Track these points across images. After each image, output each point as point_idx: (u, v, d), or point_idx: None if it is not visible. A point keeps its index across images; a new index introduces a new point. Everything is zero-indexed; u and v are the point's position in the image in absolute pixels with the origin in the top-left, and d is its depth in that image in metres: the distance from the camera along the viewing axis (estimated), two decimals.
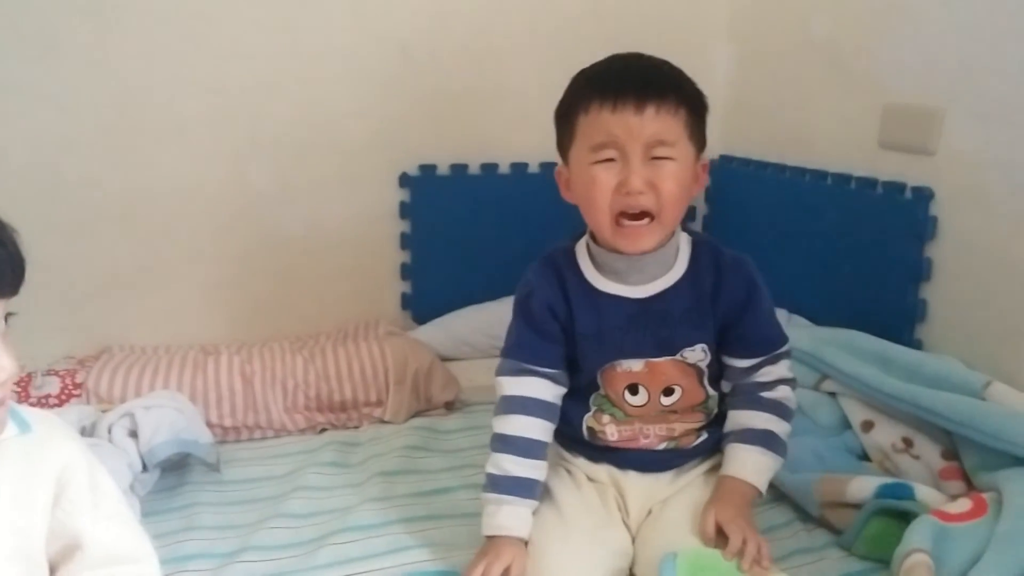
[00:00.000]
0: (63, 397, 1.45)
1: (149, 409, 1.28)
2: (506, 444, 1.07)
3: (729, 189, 1.98)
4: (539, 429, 1.07)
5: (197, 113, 1.75)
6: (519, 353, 1.09)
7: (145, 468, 1.23)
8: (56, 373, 1.48)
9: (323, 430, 1.54)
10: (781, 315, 1.56)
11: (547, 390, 1.08)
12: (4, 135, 1.61)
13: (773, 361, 1.09)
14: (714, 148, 1.86)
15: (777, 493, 1.20)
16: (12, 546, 0.76)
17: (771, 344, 1.09)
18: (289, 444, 1.48)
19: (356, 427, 1.55)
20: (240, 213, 1.82)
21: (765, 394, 1.08)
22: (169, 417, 1.29)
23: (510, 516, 1.04)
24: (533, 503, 1.06)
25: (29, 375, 1.44)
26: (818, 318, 1.68)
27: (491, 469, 1.07)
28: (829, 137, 1.74)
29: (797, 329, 1.56)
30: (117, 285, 1.73)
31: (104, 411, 1.31)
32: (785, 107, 1.87)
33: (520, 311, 1.10)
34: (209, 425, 1.41)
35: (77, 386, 1.46)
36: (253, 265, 1.85)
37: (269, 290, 1.87)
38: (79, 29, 1.64)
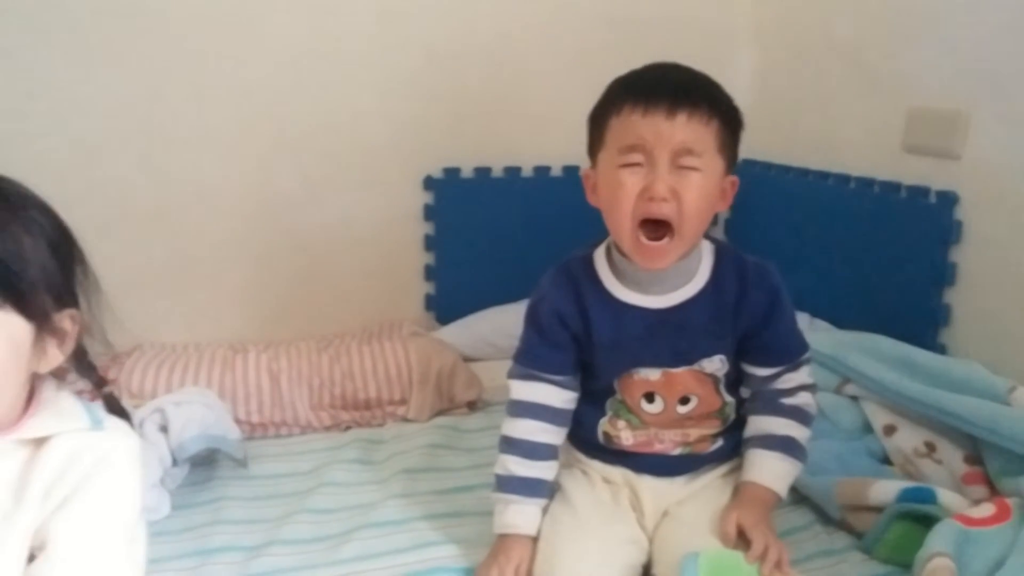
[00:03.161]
0: (92, 396, 1.48)
1: (179, 405, 1.31)
2: (512, 446, 1.09)
3: (751, 193, 1.96)
4: (545, 433, 1.09)
5: (225, 116, 1.78)
6: (527, 359, 1.10)
7: (175, 462, 1.26)
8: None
9: (348, 428, 1.56)
10: (802, 319, 1.57)
11: (555, 396, 1.09)
12: (40, 137, 1.66)
13: (794, 368, 1.09)
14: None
15: (797, 496, 1.21)
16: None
17: (792, 354, 1.09)
18: (315, 441, 1.50)
19: (380, 425, 1.57)
20: (267, 214, 1.85)
21: (785, 400, 1.08)
22: (199, 413, 1.32)
23: (517, 514, 1.06)
24: (541, 501, 1.08)
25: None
26: (840, 322, 1.68)
27: (498, 470, 1.09)
28: (853, 141, 1.73)
29: (819, 333, 1.56)
30: (148, 284, 1.76)
31: (136, 406, 1.34)
32: (808, 111, 1.87)
33: (529, 318, 1.11)
34: (237, 421, 1.44)
35: (111, 381, 1.49)
36: (279, 265, 1.88)
37: (295, 290, 1.90)
38: (112, 33, 1.68)
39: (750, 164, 1.99)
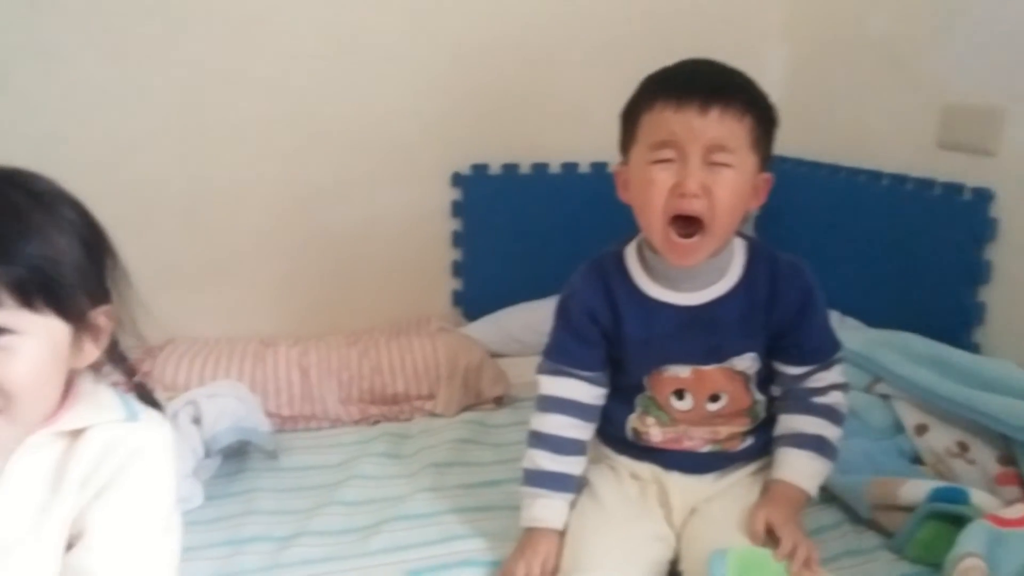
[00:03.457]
0: (127, 387, 1.51)
1: (212, 397, 1.33)
2: (540, 441, 1.09)
3: (782, 190, 1.95)
4: (574, 428, 1.09)
5: (257, 113, 1.80)
6: (556, 355, 1.10)
7: (208, 454, 1.28)
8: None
9: (376, 422, 1.58)
10: (833, 317, 1.54)
11: (584, 391, 1.09)
12: (76, 133, 1.69)
13: (826, 367, 1.08)
14: None
15: (827, 494, 1.20)
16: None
17: (824, 352, 1.08)
18: (344, 434, 1.51)
19: (408, 419, 1.58)
20: (297, 210, 1.87)
21: (817, 399, 1.08)
22: (231, 406, 1.34)
23: (544, 508, 1.07)
24: (568, 496, 1.08)
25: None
26: (871, 320, 1.66)
27: (526, 464, 1.10)
28: (886, 137, 1.72)
29: (850, 331, 1.54)
30: (181, 278, 1.79)
31: (169, 398, 1.36)
32: (841, 106, 1.85)
33: (559, 314, 1.11)
34: (268, 414, 1.45)
35: (144, 373, 1.52)
36: (309, 261, 1.90)
37: (325, 285, 1.92)
38: (146, 31, 1.71)
39: (781, 160, 1.96)
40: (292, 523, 1.19)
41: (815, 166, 1.89)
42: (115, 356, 0.83)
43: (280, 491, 1.30)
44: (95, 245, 0.76)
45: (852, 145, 1.81)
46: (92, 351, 0.76)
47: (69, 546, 0.74)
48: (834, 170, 1.84)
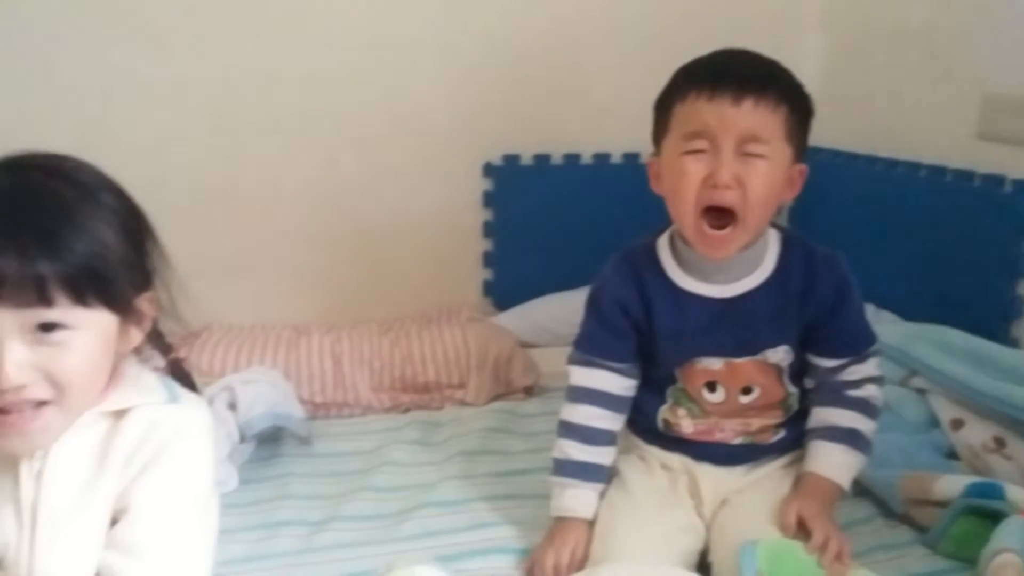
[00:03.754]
0: (168, 363, 1.54)
1: (247, 384, 1.35)
2: (570, 431, 1.09)
3: (817, 181, 1.93)
4: (604, 419, 1.09)
5: (291, 103, 1.82)
6: (587, 346, 1.10)
7: (243, 439, 1.31)
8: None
9: (407, 410, 1.59)
10: (869, 310, 1.52)
11: (614, 383, 1.10)
12: (117, 123, 1.72)
13: (861, 360, 1.07)
14: None
15: (859, 488, 1.19)
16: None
17: (859, 345, 1.07)
18: (375, 422, 1.53)
19: (439, 408, 1.60)
20: (330, 200, 1.89)
21: (851, 392, 1.07)
22: (265, 392, 1.36)
23: (574, 498, 1.07)
24: (598, 486, 1.08)
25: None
26: (907, 313, 1.64)
27: (556, 454, 1.10)
28: (924, 128, 1.69)
29: (885, 325, 1.53)
30: (216, 266, 1.81)
31: (206, 384, 1.39)
32: (878, 96, 1.82)
33: (590, 305, 1.11)
34: (301, 401, 1.47)
35: (181, 360, 1.54)
36: (342, 250, 1.92)
37: (357, 275, 1.93)
38: (185, 23, 1.73)
39: (816, 151, 1.94)
40: (325, 508, 1.21)
41: (852, 157, 1.86)
42: (152, 335, 0.84)
43: (313, 476, 1.31)
44: (138, 232, 0.77)
45: (890, 136, 1.78)
46: (136, 336, 0.78)
47: (114, 521, 0.76)
48: (871, 161, 1.81)
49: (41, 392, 0.70)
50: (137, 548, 0.75)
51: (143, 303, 0.77)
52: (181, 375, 0.89)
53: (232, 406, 1.32)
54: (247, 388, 1.35)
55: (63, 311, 0.69)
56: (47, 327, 0.69)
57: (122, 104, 1.73)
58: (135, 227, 0.77)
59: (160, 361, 0.87)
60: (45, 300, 0.68)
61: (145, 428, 0.77)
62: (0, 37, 1.65)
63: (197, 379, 1.45)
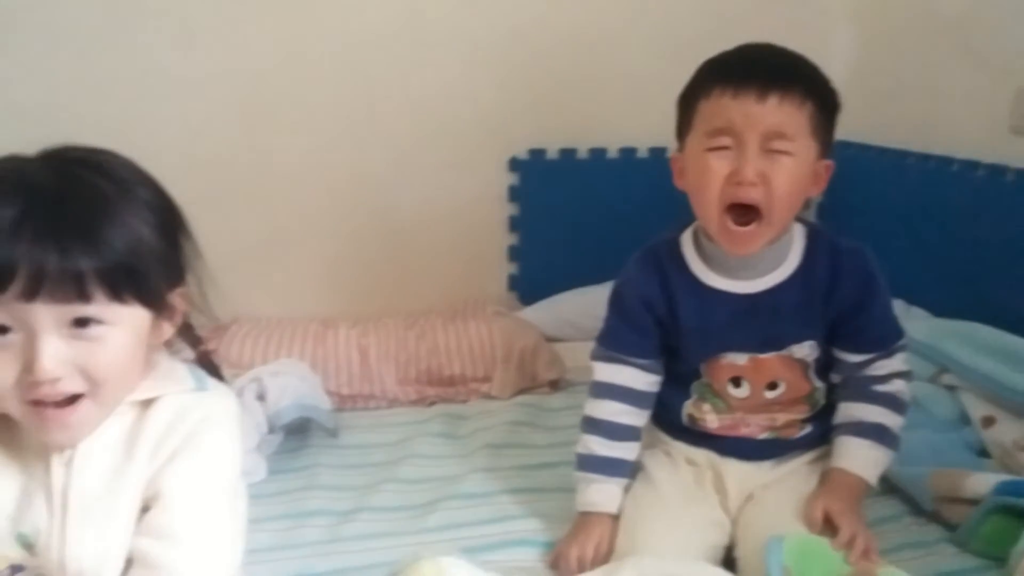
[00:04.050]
0: (197, 354, 1.56)
1: (276, 375, 1.37)
2: (594, 427, 1.10)
3: (847, 176, 1.91)
4: (628, 415, 1.09)
5: (319, 97, 1.83)
6: (610, 342, 1.10)
7: (271, 429, 1.32)
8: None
9: (433, 403, 1.60)
10: (898, 306, 1.52)
11: (638, 378, 1.09)
12: (148, 115, 1.74)
13: (888, 355, 1.06)
14: None
15: (888, 485, 1.18)
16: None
17: (886, 340, 1.06)
18: (401, 414, 1.54)
19: (464, 401, 1.60)
20: (358, 194, 1.90)
21: (878, 387, 1.06)
22: (293, 383, 1.37)
23: (598, 493, 1.08)
24: (622, 480, 1.09)
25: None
26: (938, 310, 1.62)
27: (580, 449, 1.11)
28: (956, 122, 1.67)
29: (915, 321, 1.51)
30: (245, 259, 1.83)
31: (234, 375, 1.41)
32: (909, 90, 1.80)
33: (613, 302, 1.11)
34: (328, 393, 1.49)
35: (211, 351, 1.56)
36: (369, 244, 1.93)
37: (383, 268, 1.95)
38: (214, 19, 1.75)
39: (845, 146, 1.92)
40: (351, 498, 1.23)
41: (882, 151, 1.84)
42: (182, 328, 0.85)
43: (340, 467, 1.33)
44: (172, 227, 0.77)
45: (921, 130, 1.76)
46: (168, 329, 0.79)
47: (145, 508, 0.77)
48: (902, 155, 1.79)
49: (76, 385, 0.70)
50: (169, 533, 0.76)
51: (175, 298, 0.78)
52: (210, 366, 0.89)
53: (261, 397, 1.34)
54: (275, 380, 1.36)
55: (99, 307, 0.69)
56: (83, 322, 0.69)
57: (154, 97, 1.75)
58: (170, 222, 0.77)
59: (189, 353, 0.88)
60: (83, 296, 0.68)
61: (173, 416, 0.78)
62: (36, 31, 1.68)
63: (226, 371, 1.48)
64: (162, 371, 0.80)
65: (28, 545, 0.76)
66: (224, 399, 0.83)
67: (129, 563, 0.76)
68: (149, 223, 0.73)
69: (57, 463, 0.76)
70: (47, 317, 0.68)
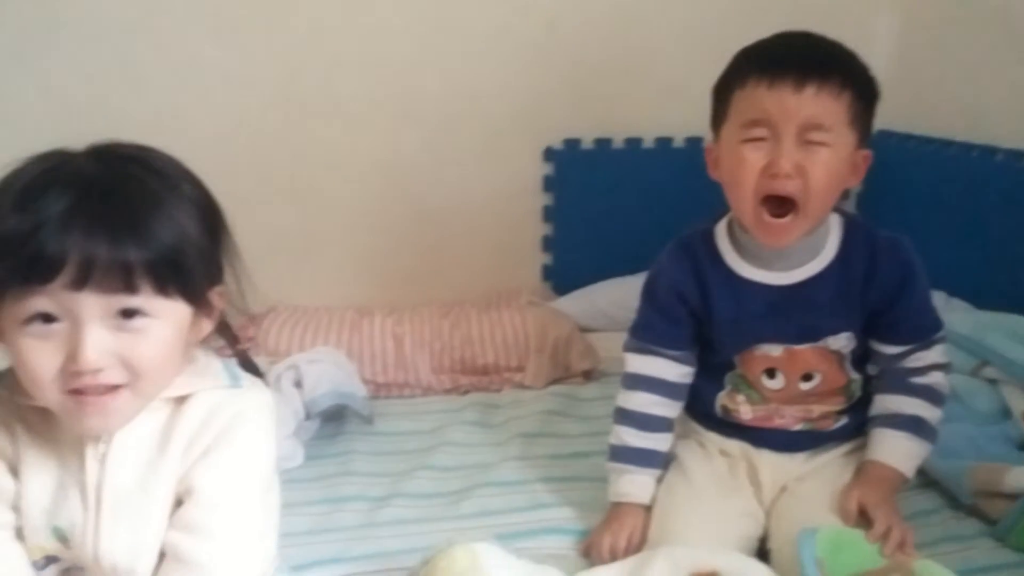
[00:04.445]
0: (235, 352, 1.59)
1: (312, 363, 1.39)
2: (627, 418, 1.10)
3: (887, 166, 1.88)
4: (660, 406, 1.09)
5: (355, 89, 1.84)
6: (643, 334, 1.10)
7: (308, 416, 1.35)
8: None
9: (466, 391, 1.62)
10: (939, 298, 1.50)
11: (670, 370, 1.09)
12: (185, 109, 1.77)
13: (926, 347, 1.04)
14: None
15: (926, 479, 1.17)
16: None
17: (925, 331, 1.04)
18: (435, 402, 1.56)
19: (498, 391, 1.61)
20: (393, 184, 1.91)
21: (916, 379, 1.04)
22: (329, 371, 1.40)
23: (631, 484, 1.08)
24: (655, 471, 1.09)
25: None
26: (980, 302, 1.59)
27: (612, 440, 1.11)
28: (1001, 111, 1.63)
29: (956, 312, 1.49)
30: (282, 249, 1.86)
31: (272, 363, 1.43)
32: (952, 79, 1.76)
33: (646, 293, 1.10)
34: (363, 381, 1.51)
35: (249, 339, 1.60)
36: (403, 234, 1.95)
37: (418, 258, 1.96)
38: (250, 12, 1.77)
39: (887, 135, 1.89)
40: (386, 484, 1.24)
41: (924, 141, 1.81)
42: (221, 327, 0.85)
43: (375, 454, 1.35)
44: (213, 223, 0.78)
45: (965, 119, 1.72)
46: (206, 326, 0.80)
47: (178, 503, 0.78)
48: (945, 145, 1.75)
49: (116, 377, 0.71)
50: (202, 528, 0.77)
51: (214, 296, 0.78)
52: (247, 364, 0.90)
53: (298, 384, 1.36)
54: (312, 367, 1.39)
55: (145, 299, 0.70)
56: (128, 313, 0.70)
57: (190, 90, 1.78)
58: (212, 219, 0.78)
59: (222, 342, 0.89)
60: (131, 287, 0.69)
61: (206, 412, 0.79)
62: (76, 26, 1.72)
63: (264, 358, 1.50)
64: (197, 368, 0.81)
65: (63, 538, 0.78)
66: (258, 395, 0.83)
67: (162, 557, 0.78)
68: (194, 219, 0.74)
69: (91, 458, 0.77)
70: (94, 307, 0.69)
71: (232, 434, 0.79)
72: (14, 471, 0.77)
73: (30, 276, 0.67)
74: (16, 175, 0.71)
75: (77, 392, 0.70)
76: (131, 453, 0.77)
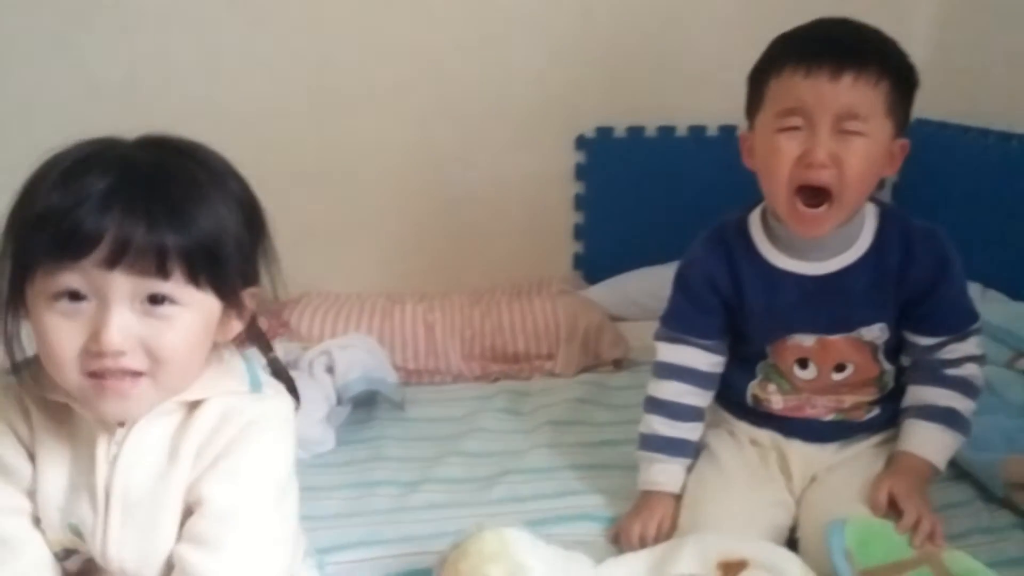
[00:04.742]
0: (270, 335, 1.61)
1: (344, 349, 1.41)
2: (657, 407, 1.10)
3: (924, 155, 1.85)
4: (691, 395, 1.09)
5: (387, 76, 1.86)
6: (674, 323, 1.10)
7: (339, 401, 1.36)
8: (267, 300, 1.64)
9: (497, 379, 1.63)
10: (975, 289, 1.48)
11: (702, 359, 1.09)
12: (222, 96, 1.79)
13: (961, 339, 1.03)
14: None
15: (959, 471, 1.15)
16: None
17: (959, 323, 1.03)
18: (465, 389, 1.57)
19: (528, 378, 1.62)
20: (425, 172, 1.93)
21: (949, 371, 1.03)
22: (361, 357, 1.41)
23: (661, 473, 1.08)
24: (685, 460, 1.09)
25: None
26: (1017, 293, 1.57)
27: (643, 429, 1.11)
28: None
29: (991, 304, 1.47)
30: (314, 236, 1.87)
31: (305, 348, 1.45)
32: (993, 66, 1.73)
33: (678, 282, 1.10)
34: (394, 367, 1.52)
35: (283, 325, 1.62)
36: (435, 222, 1.96)
37: (449, 246, 1.97)
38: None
39: (923, 124, 1.86)
40: (417, 470, 1.26)
41: (962, 130, 1.78)
42: (253, 333, 0.84)
43: (406, 440, 1.36)
44: (255, 224, 0.77)
45: (1004, 108, 1.69)
46: (236, 327, 0.78)
47: (188, 513, 0.76)
48: (983, 134, 1.73)
49: (138, 363, 0.70)
50: (210, 541, 0.75)
51: (247, 296, 0.77)
52: (279, 371, 0.88)
53: (330, 369, 1.38)
54: (344, 353, 1.40)
55: (176, 285, 0.69)
56: (157, 299, 0.69)
57: (226, 79, 1.80)
58: (253, 219, 0.77)
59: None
60: (163, 271, 0.68)
61: (217, 420, 0.77)
62: (112, 13, 1.74)
63: (297, 344, 1.52)
64: (217, 371, 0.79)
65: (78, 534, 0.77)
66: (277, 403, 0.81)
67: (171, 566, 0.76)
68: (235, 215, 0.74)
69: (102, 460, 0.75)
70: (123, 288, 0.68)
71: (244, 443, 0.76)
72: (31, 459, 0.77)
73: (64, 250, 0.67)
74: (62, 156, 0.71)
75: (97, 376, 0.69)
76: (142, 458, 0.76)
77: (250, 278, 0.77)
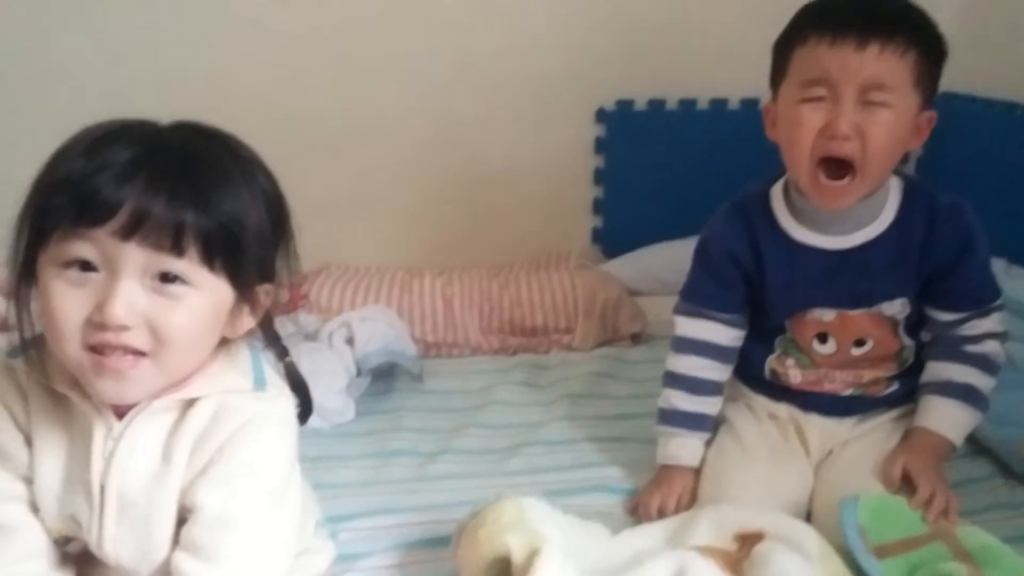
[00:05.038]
0: (290, 307, 1.62)
1: (364, 321, 1.42)
2: (676, 381, 1.10)
3: (950, 129, 1.82)
4: (710, 369, 1.09)
5: (407, 48, 1.84)
6: (694, 296, 1.10)
7: (359, 373, 1.38)
8: (284, 286, 1.66)
9: (515, 352, 1.63)
10: (999, 265, 1.46)
11: (721, 333, 1.09)
12: (240, 69, 1.78)
13: (983, 315, 1.03)
14: None
15: (978, 447, 1.15)
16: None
17: (982, 299, 1.03)
18: (484, 362, 1.58)
19: (546, 352, 1.63)
20: (444, 145, 1.92)
21: (970, 347, 1.03)
22: (380, 329, 1.42)
23: (680, 447, 1.09)
24: (704, 435, 1.09)
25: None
26: None
27: (662, 403, 1.11)
28: None
29: (1016, 279, 1.45)
30: (333, 209, 1.86)
31: (324, 320, 1.47)
32: (1020, 39, 1.69)
33: (699, 255, 1.10)
34: (413, 339, 1.53)
35: (302, 297, 1.63)
36: (454, 195, 1.96)
37: (468, 219, 1.97)
38: None
39: (950, 97, 1.83)
40: (435, 441, 1.27)
41: (989, 103, 1.75)
42: (268, 335, 0.83)
43: (424, 411, 1.38)
44: (279, 220, 0.76)
45: None
46: (247, 323, 0.77)
47: (183, 519, 0.75)
48: (1011, 108, 1.69)
49: (141, 341, 0.68)
50: (203, 548, 0.73)
51: (262, 293, 0.76)
52: (296, 381, 0.86)
53: (350, 341, 1.39)
54: (364, 325, 1.42)
55: (189, 264, 0.68)
56: (168, 277, 0.68)
57: (245, 51, 1.79)
58: (278, 214, 0.75)
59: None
60: (177, 248, 0.67)
61: (210, 420, 0.75)
62: None
63: (317, 316, 1.53)
64: (221, 366, 0.77)
65: (77, 524, 0.76)
66: (275, 402, 0.79)
67: (167, 566, 0.76)
68: (259, 205, 0.72)
69: (98, 456, 0.74)
70: (136, 261, 0.67)
71: (239, 444, 0.75)
72: (28, 444, 0.75)
73: (81, 216, 0.66)
74: (93, 128, 0.70)
75: (97, 351, 0.68)
76: (137, 457, 0.74)
77: (267, 274, 0.76)
